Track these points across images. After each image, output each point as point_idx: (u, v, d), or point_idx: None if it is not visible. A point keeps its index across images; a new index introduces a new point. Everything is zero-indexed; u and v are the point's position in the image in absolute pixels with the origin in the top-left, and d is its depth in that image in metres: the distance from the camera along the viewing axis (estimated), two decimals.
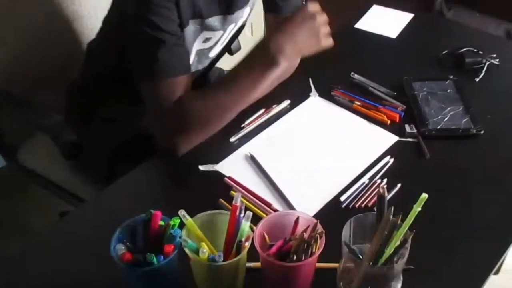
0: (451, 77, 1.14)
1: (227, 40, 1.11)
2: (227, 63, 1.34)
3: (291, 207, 0.88)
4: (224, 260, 0.68)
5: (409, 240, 0.66)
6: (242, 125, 1.04)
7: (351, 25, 1.35)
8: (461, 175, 0.94)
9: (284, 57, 0.88)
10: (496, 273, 1.34)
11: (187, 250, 0.69)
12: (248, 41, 1.79)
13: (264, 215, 0.85)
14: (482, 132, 1.01)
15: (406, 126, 1.02)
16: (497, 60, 1.18)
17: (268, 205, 0.88)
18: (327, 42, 0.96)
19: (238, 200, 0.70)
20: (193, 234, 0.71)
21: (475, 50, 1.20)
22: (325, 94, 1.12)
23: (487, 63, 1.17)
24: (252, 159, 0.97)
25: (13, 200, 1.74)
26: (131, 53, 0.94)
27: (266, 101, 1.08)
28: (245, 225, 0.70)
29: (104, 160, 1.14)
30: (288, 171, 0.95)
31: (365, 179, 0.92)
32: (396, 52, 1.27)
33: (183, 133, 0.93)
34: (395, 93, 1.11)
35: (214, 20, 1.00)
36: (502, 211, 0.87)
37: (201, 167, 0.95)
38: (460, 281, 0.78)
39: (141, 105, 0.96)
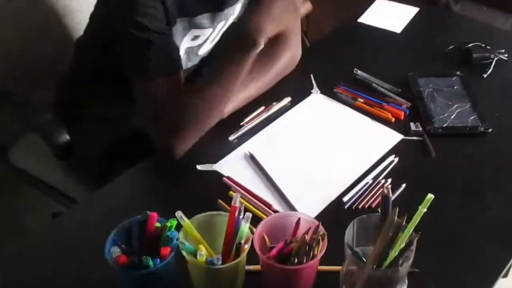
0: (458, 73, 1.14)
1: (217, 38, 1.11)
2: None
3: (292, 208, 0.88)
4: (222, 263, 0.68)
5: (415, 242, 0.66)
6: (241, 123, 1.04)
7: (354, 19, 1.35)
8: (468, 175, 0.94)
9: (263, 35, 0.87)
10: (505, 276, 1.34)
11: (184, 253, 0.69)
12: None
13: (264, 216, 0.85)
14: (490, 130, 1.01)
15: (411, 124, 1.02)
16: (506, 55, 1.18)
17: (268, 206, 0.88)
18: (306, 7, 0.96)
19: (237, 200, 0.70)
20: (190, 236, 0.71)
21: (483, 45, 1.20)
22: (327, 91, 1.12)
23: (495, 58, 1.17)
24: (252, 159, 0.98)
25: (3, 201, 1.74)
26: (121, 53, 0.94)
27: (266, 99, 1.09)
28: (245, 226, 0.70)
29: (97, 160, 1.14)
30: (289, 171, 0.95)
31: (368, 179, 0.92)
32: (400, 47, 1.27)
33: (177, 133, 0.93)
34: (400, 90, 1.11)
35: (202, 18, 1.01)
36: (511, 212, 0.88)
37: (199, 167, 0.95)
38: (468, 285, 0.78)
39: (133, 103, 0.96)
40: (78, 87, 1.16)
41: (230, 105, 1.03)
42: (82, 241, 0.84)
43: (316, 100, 1.11)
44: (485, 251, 0.82)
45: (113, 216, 0.80)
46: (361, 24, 1.33)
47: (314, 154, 0.99)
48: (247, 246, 0.70)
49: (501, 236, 0.84)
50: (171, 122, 0.93)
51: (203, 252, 0.68)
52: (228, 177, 0.93)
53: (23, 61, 1.20)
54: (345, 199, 0.89)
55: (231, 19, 1.11)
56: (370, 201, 0.88)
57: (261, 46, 0.89)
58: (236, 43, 0.89)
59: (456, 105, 1.07)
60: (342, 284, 0.72)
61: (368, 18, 1.34)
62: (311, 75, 1.15)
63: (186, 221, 0.70)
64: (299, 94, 1.11)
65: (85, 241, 0.84)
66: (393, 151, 0.98)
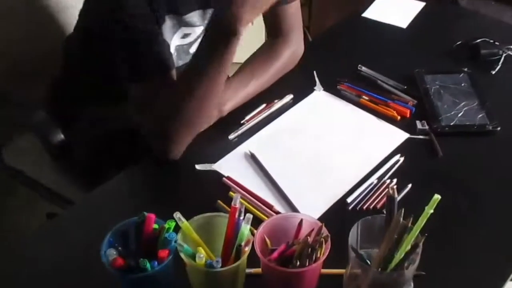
0: (466, 69, 1.14)
1: None
2: None
3: (294, 209, 0.88)
4: (222, 266, 0.68)
5: (421, 245, 0.66)
6: (242, 122, 1.04)
7: (359, 14, 1.35)
8: (476, 175, 0.94)
9: (241, 23, 0.85)
10: None
11: (182, 255, 0.69)
12: (249, 31, 1.78)
13: (265, 218, 0.85)
14: (498, 128, 1.01)
15: (417, 122, 1.02)
16: None
17: (270, 207, 0.88)
18: None
19: (237, 201, 0.70)
20: (189, 238, 0.71)
21: (491, 41, 1.20)
22: (330, 88, 1.12)
23: (504, 54, 1.17)
24: (253, 158, 0.97)
25: None
26: (110, 54, 0.94)
27: (267, 96, 1.08)
28: (245, 228, 0.70)
29: (92, 160, 1.14)
30: (291, 171, 0.95)
31: (373, 179, 0.92)
32: (406, 43, 1.27)
33: (168, 137, 0.93)
34: (406, 87, 1.11)
35: (192, 16, 1.00)
36: None
37: (197, 167, 0.95)
38: None
39: (127, 102, 0.96)
40: (70, 87, 1.16)
41: (230, 103, 1.03)
42: (77, 243, 0.84)
43: (319, 97, 1.11)
44: (493, 254, 0.81)
45: (109, 217, 0.80)
46: (366, 19, 1.33)
47: (317, 153, 0.99)
48: (247, 249, 0.70)
49: (510, 238, 0.84)
50: (162, 125, 0.92)
51: (202, 255, 0.68)
52: (228, 177, 0.93)
53: (16, 59, 1.20)
54: (349, 199, 0.89)
55: None
56: (375, 202, 0.88)
57: (241, 35, 0.87)
58: (214, 35, 0.87)
59: (463, 103, 1.06)
60: (345, 287, 0.72)
61: (373, 12, 1.34)
62: (314, 72, 1.15)
63: (184, 223, 0.70)
64: (302, 91, 1.11)
65: (80, 243, 0.84)
66: (398, 150, 0.98)
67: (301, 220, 0.73)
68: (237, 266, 0.69)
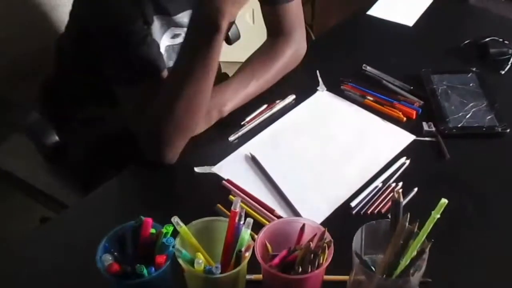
0: (474, 69, 1.14)
1: None
2: (225, 53, 1.34)
3: (296, 213, 0.88)
4: (222, 272, 0.69)
5: (427, 250, 0.66)
6: (242, 123, 1.04)
7: (363, 11, 1.35)
8: (485, 178, 0.94)
9: (224, 18, 0.84)
10: None
11: (181, 261, 0.69)
12: (249, 30, 1.79)
13: (266, 222, 0.85)
14: (507, 130, 1.01)
15: (424, 124, 1.02)
16: None
17: (271, 211, 0.88)
18: None
19: (237, 205, 0.70)
20: (187, 243, 0.71)
21: (501, 40, 1.20)
22: (334, 88, 1.12)
23: None
24: (253, 160, 0.98)
25: None
26: (101, 56, 0.95)
27: (269, 96, 1.09)
28: (245, 233, 0.70)
29: (87, 162, 1.14)
30: (293, 173, 0.95)
31: (378, 183, 0.92)
32: (413, 41, 1.27)
33: (161, 138, 0.93)
34: (412, 87, 1.11)
35: (183, 16, 1.00)
36: None
37: (196, 169, 0.96)
38: None
39: (121, 105, 0.96)
40: (63, 87, 1.16)
41: (230, 104, 1.03)
42: (72, 248, 0.84)
43: (322, 97, 1.11)
44: (502, 260, 0.81)
45: (105, 221, 0.81)
46: (371, 16, 1.33)
47: (320, 156, 0.99)
48: (248, 254, 0.70)
49: None
50: (153, 128, 0.92)
51: (201, 260, 0.68)
52: (228, 180, 0.93)
53: (7, 58, 1.20)
54: (353, 204, 0.89)
55: None
56: (379, 206, 0.88)
57: (224, 30, 0.86)
58: (196, 31, 0.87)
59: (471, 104, 1.07)
60: None
61: (378, 10, 1.34)
62: (317, 71, 1.15)
63: (183, 227, 0.70)
64: (304, 91, 1.11)
65: (75, 248, 0.84)
66: (404, 152, 0.98)
67: (303, 225, 0.73)
68: (237, 272, 0.69)
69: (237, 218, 0.70)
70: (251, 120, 1.05)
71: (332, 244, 0.69)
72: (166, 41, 0.98)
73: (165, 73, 0.95)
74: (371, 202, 0.89)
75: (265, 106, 1.07)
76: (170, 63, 1.07)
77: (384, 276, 0.68)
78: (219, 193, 0.91)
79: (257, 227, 0.74)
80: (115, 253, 0.70)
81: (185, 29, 1.02)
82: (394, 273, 0.68)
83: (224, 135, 1.02)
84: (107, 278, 0.68)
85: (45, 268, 0.82)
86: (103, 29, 0.91)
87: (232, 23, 1.18)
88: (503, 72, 1.15)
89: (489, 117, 1.04)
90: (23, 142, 1.17)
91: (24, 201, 1.31)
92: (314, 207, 0.89)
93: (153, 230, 0.72)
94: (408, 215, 0.66)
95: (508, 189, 0.92)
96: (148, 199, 0.93)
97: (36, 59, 1.22)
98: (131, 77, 0.93)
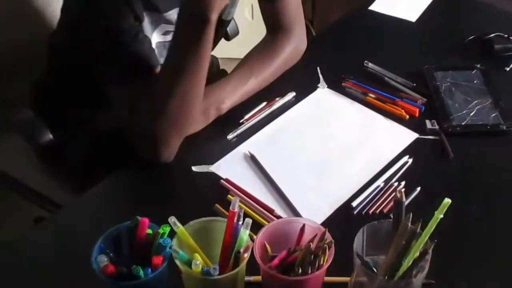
0: (478, 66, 1.14)
1: None
2: (223, 49, 1.34)
3: (296, 213, 0.88)
4: (220, 274, 0.69)
5: (430, 251, 0.66)
6: (241, 121, 1.04)
7: (365, 7, 1.35)
8: (490, 177, 0.94)
9: (212, 9, 0.84)
10: None
11: (178, 262, 0.69)
12: (249, 25, 1.79)
13: (266, 223, 0.85)
14: None
15: (427, 121, 1.02)
16: None
17: (270, 211, 0.88)
18: None
19: (236, 205, 0.70)
20: (185, 244, 0.71)
21: (506, 36, 1.20)
22: (334, 85, 1.12)
23: None
24: (252, 159, 0.98)
25: None
26: (93, 55, 0.95)
27: (268, 94, 1.09)
28: (244, 233, 0.70)
29: (83, 162, 1.14)
30: (293, 173, 0.95)
31: (380, 182, 0.93)
32: (415, 37, 1.27)
33: (156, 136, 0.92)
34: (415, 84, 1.11)
35: (174, 13, 1.00)
36: None
37: (194, 168, 0.96)
38: None
39: (115, 104, 0.96)
40: (57, 85, 1.16)
41: (228, 101, 1.03)
42: (67, 249, 0.84)
43: (323, 95, 1.11)
44: (507, 262, 0.81)
45: (100, 221, 0.81)
46: (372, 12, 1.33)
47: (321, 154, 0.99)
48: (246, 255, 0.70)
49: None
50: (147, 126, 0.93)
51: (198, 262, 0.68)
52: (226, 180, 0.93)
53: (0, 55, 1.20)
54: (354, 203, 0.89)
55: None
56: (381, 206, 0.88)
57: (214, 22, 0.85)
58: (185, 25, 0.86)
59: (476, 101, 1.07)
60: None
61: (380, 5, 1.34)
62: (317, 68, 1.15)
63: (180, 228, 0.70)
64: (304, 88, 1.11)
65: (69, 249, 0.84)
66: (407, 151, 0.98)
67: (304, 225, 0.73)
68: (236, 274, 0.69)
69: (235, 218, 0.70)
70: (250, 118, 1.05)
71: (333, 245, 0.69)
72: (157, 38, 0.98)
73: (157, 70, 0.95)
74: (372, 202, 0.89)
75: (264, 103, 1.07)
76: (162, 60, 1.07)
77: (386, 277, 0.68)
78: (217, 192, 0.91)
79: (256, 227, 0.74)
80: (111, 254, 0.70)
81: None
82: (396, 274, 0.68)
83: (222, 133, 1.02)
84: (103, 279, 0.68)
85: (38, 269, 0.82)
86: (93, 27, 0.91)
87: (228, 22, 1.18)
88: (508, 69, 1.16)
89: (493, 115, 1.04)
90: (16, 141, 1.17)
91: (18, 201, 1.31)
92: (315, 207, 0.89)
93: (149, 231, 0.72)
94: (411, 215, 0.66)
95: None
96: (144, 199, 0.93)
97: (29, 56, 1.22)
98: (124, 76, 0.93)
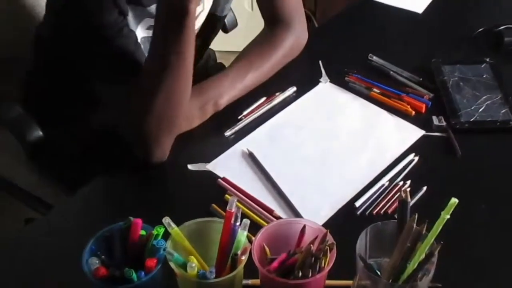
0: (488, 59, 1.14)
1: None
2: (221, 42, 1.34)
3: (296, 213, 0.88)
4: (216, 277, 0.68)
5: (436, 253, 0.66)
6: (239, 117, 1.04)
7: None
8: (499, 176, 0.94)
9: (191, 0, 0.83)
10: None
11: (172, 265, 0.69)
12: (248, 17, 1.79)
13: (265, 224, 0.85)
14: None
15: (434, 118, 1.02)
16: None
17: (269, 211, 0.88)
18: None
19: (233, 205, 0.70)
20: (180, 246, 0.71)
21: None
22: (337, 79, 1.12)
23: None
24: (251, 157, 0.98)
25: None
26: (80, 53, 0.95)
27: (268, 88, 1.09)
28: (242, 235, 0.70)
29: (74, 160, 1.14)
30: (293, 171, 0.95)
31: (384, 181, 0.93)
32: (422, 30, 1.27)
33: (146, 135, 0.92)
34: (421, 79, 1.11)
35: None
36: None
37: (190, 167, 0.96)
38: None
39: (103, 102, 0.96)
40: (43, 82, 1.16)
41: (226, 97, 1.03)
42: (57, 251, 0.84)
43: (325, 90, 1.11)
44: None
45: (91, 222, 0.81)
46: (377, 3, 1.33)
47: (322, 152, 0.99)
48: (244, 258, 0.70)
49: None
50: (136, 125, 0.92)
51: (194, 264, 0.68)
52: (223, 178, 0.93)
53: None
54: (357, 204, 0.89)
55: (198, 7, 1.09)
56: (386, 206, 0.88)
57: (194, 12, 0.85)
58: (164, 17, 0.86)
59: (485, 96, 1.06)
60: None
61: None
62: (320, 62, 1.15)
63: (174, 229, 0.70)
64: (306, 83, 1.11)
65: (60, 251, 0.84)
66: (412, 149, 0.98)
67: (304, 226, 0.73)
68: (233, 277, 0.69)
69: (233, 219, 0.70)
70: (248, 114, 1.04)
71: (335, 247, 0.69)
72: (142, 33, 0.98)
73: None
74: (376, 202, 0.89)
75: (263, 99, 1.07)
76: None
77: (390, 281, 0.68)
78: (214, 192, 0.91)
79: (254, 228, 0.74)
80: (102, 256, 0.70)
81: None
82: (401, 277, 0.68)
83: (219, 130, 1.02)
84: (94, 282, 0.68)
85: (28, 272, 0.82)
86: (77, 21, 0.91)
87: (224, 17, 1.18)
88: None
89: (503, 110, 1.04)
90: (4, 138, 1.17)
91: (7, 201, 1.31)
92: (316, 207, 0.89)
93: (143, 232, 0.72)
94: (416, 216, 0.66)
95: None
96: (137, 199, 0.93)
97: (17, 49, 1.21)
98: (110, 72, 0.93)
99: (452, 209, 0.65)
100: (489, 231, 0.86)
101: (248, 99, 1.06)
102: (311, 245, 0.69)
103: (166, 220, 0.69)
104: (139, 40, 0.97)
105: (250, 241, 0.72)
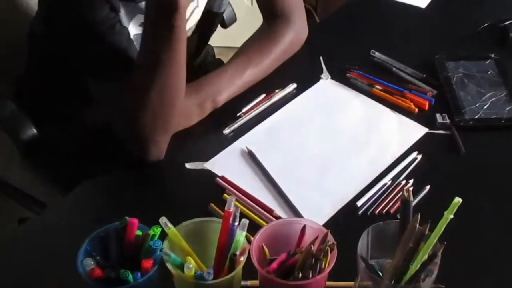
0: (493, 55, 1.14)
1: None
2: (220, 37, 1.34)
3: (296, 213, 0.88)
4: (214, 278, 0.68)
5: (439, 254, 0.66)
6: (238, 114, 1.04)
7: None
8: (504, 175, 0.94)
9: None
10: None
11: (169, 266, 0.69)
12: (247, 11, 1.78)
13: (264, 223, 0.85)
14: None
15: (437, 115, 1.02)
16: None
17: (269, 211, 0.88)
18: None
19: (231, 204, 0.70)
20: (177, 246, 0.71)
21: None
22: (339, 76, 1.12)
23: None
24: (250, 155, 0.98)
25: None
26: (72, 50, 0.95)
27: (267, 85, 1.09)
28: (240, 235, 0.70)
29: (69, 159, 1.14)
30: (293, 170, 0.95)
31: (386, 180, 0.93)
32: (425, 25, 1.27)
33: (141, 133, 0.92)
34: (424, 75, 1.11)
35: None
36: None
37: (187, 165, 0.96)
38: None
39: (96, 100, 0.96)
40: (39, 80, 1.16)
41: (225, 93, 1.03)
42: (51, 251, 0.84)
43: (326, 86, 1.11)
44: None
45: (86, 222, 0.81)
46: None
47: (323, 151, 0.99)
48: (243, 258, 0.70)
49: None
50: (130, 123, 0.92)
51: (191, 265, 0.68)
52: (222, 177, 0.93)
53: None
54: (359, 203, 0.89)
55: (193, 4, 1.09)
56: (388, 206, 0.88)
57: (185, 7, 0.85)
58: (154, 13, 0.86)
59: (490, 93, 1.06)
60: None
61: None
62: (321, 58, 1.15)
63: (171, 229, 0.70)
64: (306, 79, 1.11)
65: (54, 251, 0.84)
66: (415, 147, 0.98)
67: (304, 226, 0.73)
68: (231, 278, 0.69)
69: (231, 219, 0.70)
70: (247, 111, 1.04)
71: (336, 247, 0.69)
72: (134, 30, 0.98)
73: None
74: (379, 202, 0.89)
75: (263, 96, 1.07)
76: None
77: (393, 282, 0.68)
78: (212, 191, 0.91)
79: (253, 228, 0.74)
80: (98, 257, 0.70)
81: None
82: (403, 279, 0.68)
83: (218, 127, 1.02)
84: (89, 284, 0.68)
85: (22, 273, 0.82)
86: (68, 17, 0.91)
87: (221, 14, 1.18)
88: None
89: (508, 108, 1.04)
90: None
91: (1, 200, 1.31)
92: (317, 207, 0.89)
93: (139, 232, 0.71)
94: (419, 216, 0.66)
95: None
96: (134, 198, 0.93)
97: (11, 46, 1.21)
98: (102, 69, 0.93)
99: (455, 209, 0.65)
100: (493, 231, 0.86)
101: (247, 96, 1.06)
102: (312, 246, 0.69)
103: (163, 220, 0.69)
104: (132, 37, 0.97)
105: (249, 241, 0.72)
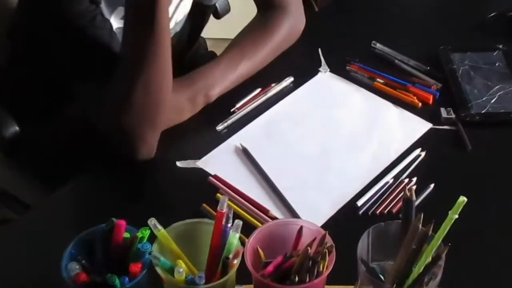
0: (501, 46, 1.15)
1: None
2: (212, 29, 1.34)
3: (293, 214, 0.88)
4: (206, 282, 0.68)
5: (443, 256, 0.66)
6: (232, 109, 1.04)
7: None
8: (511, 173, 0.94)
9: None
10: None
11: (159, 270, 0.69)
12: (241, 1, 1.78)
13: (259, 224, 0.85)
14: None
15: (442, 110, 1.02)
16: None
17: (265, 211, 0.88)
18: None
19: (224, 205, 0.70)
20: (167, 249, 0.71)
21: None
22: (338, 69, 1.12)
23: None
24: (244, 153, 0.98)
25: None
26: (51, 45, 0.95)
27: (263, 79, 1.09)
28: (234, 237, 0.70)
29: (53, 157, 1.14)
30: (290, 168, 0.95)
31: (388, 178, 0.93)
32: (430, 14, 1.27)
33: (128, 131, 0.92)
34: (428, 68, 1.11)
35: None
36: None
37: (179, 163, 0.96)
38: None
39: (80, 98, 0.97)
40: (20, 75, 1.16)
41: (218, 88, 1.03)
42: (34, 254, 0.84)
43: (325, 80, 1.11)
44: None
45: (71, 224, 0.81)
46: None
47: (322, 148, 0.99)
48: (236, 262, 0.70)
49: None
50: (115, 121, 0.92)
51: (182, 269, 0.68)
52: (215, 176, 0.93)
53: None
54: (359, 203, 0.89)
55: None
56: (389, 206, 0.89)
57: (165, 2, 0.85)
58: (135, 4, 0.86)
59: (497, 86, 1.07)
60: None
61: None
62: (319, 49, 1.15)
63: (161, 231, 0.70)
64: (304, 72, 1.11)
65: (37, 254, 0.84)
66: (419, 143, 0.98)
67: (301, 227, 0.73)
68: (224, 282, 0.69)
69: (224, 220, 0.70)
70: (242, 106, 1.05)
71: (334, 249, 0.69)
72: (116, 23, 0.98)
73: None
74: (380, 201, 0.89)
75: (258, 90, 1.07)
76: None
77: (395, 286, 0.68)
78: (205, 190, 0.91)
79: (248, 229, 0.74)
80: (83, 261, 0.70)
81: None
82: (406, 282, 0.68)
83: (211, 123, 1.02)
84: None
85: (3, 276, 0.82)
86: (46, 10, 0.91)
87: (212, 6, 1.18)
88: None
89: None
90: None
91: None
92: (314, 207, 0.89)
93: (126, 234, 0.71)
94: (422, 216, 0.66)
95: None
96: (121, 198, 0.93)
97: None
98: (83, 65, 0.93)
99: (460, 208, 0.65)
100: (501, 232, 0.86)
101: (242, 90, 1.06)
102: (309, 248, 0.69)
103: (152, 221, 0.69)
104: (114, 30, 0.97)
105: (243, 243, 0.72)
